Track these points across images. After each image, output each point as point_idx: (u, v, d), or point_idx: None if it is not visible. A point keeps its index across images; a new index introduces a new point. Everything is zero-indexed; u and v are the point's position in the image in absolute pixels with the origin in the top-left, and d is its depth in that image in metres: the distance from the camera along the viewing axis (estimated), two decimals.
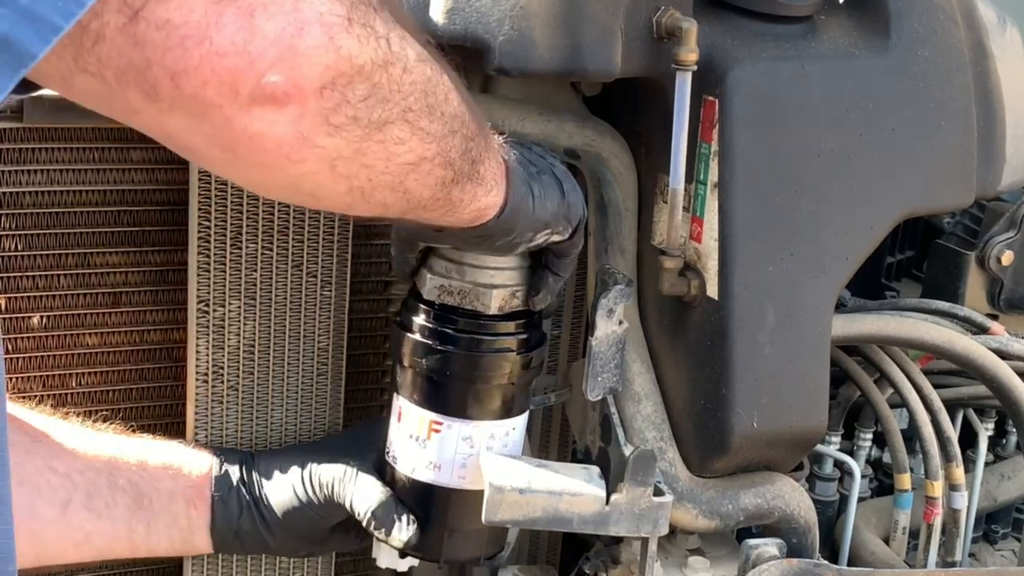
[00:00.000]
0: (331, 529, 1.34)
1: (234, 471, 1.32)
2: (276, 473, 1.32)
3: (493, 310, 1.25)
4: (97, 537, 1.25)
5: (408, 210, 1.03)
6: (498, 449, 1.29)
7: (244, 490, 1.31)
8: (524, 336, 1.28)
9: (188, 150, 0.88)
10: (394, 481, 1.30)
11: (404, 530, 1.28)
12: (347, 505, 1.30)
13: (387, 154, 0.93)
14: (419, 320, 1.27)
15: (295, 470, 1.32)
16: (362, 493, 1.29)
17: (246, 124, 0.82)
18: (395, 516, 1.28)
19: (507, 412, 1.29)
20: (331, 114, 0.85)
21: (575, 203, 1.21)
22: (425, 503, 1.30)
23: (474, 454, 1.28)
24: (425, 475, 1.28)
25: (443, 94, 0.97)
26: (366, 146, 0.90)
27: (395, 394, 1.30)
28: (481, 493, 1.26)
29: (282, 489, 1.31)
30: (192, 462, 1.31)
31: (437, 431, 1.27)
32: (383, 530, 1.28)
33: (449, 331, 1.25)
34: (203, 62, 0.78)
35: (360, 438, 1.36)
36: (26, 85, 0.75)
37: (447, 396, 1.27)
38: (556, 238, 1.22)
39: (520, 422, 1.32)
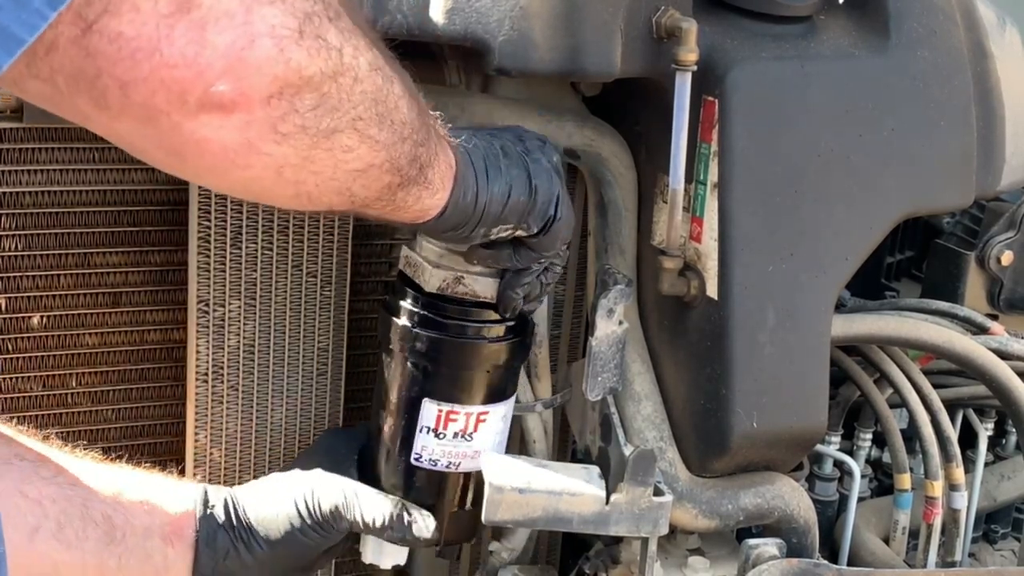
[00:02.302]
0: (318, 555, 1.31)
1: (218, 511, 1.25)
2: (266, 507, 1.27)
3: (431, 288, 1.25)
4: (65, 569, 1.17)
5: (352, 209, 1.05)
6: (500, 432, 1.31)
7: (231, 530, 1.25)
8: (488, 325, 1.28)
9: (138, 152, 0.90)
10: (405, 475, 1.31)
11: (427, 525, 1.28)
12: (358, 522, 1.28)
13: (335, 161, 0.95)
14: (406, 303, 1.28)
15: (287, 501, 1.27)
16: (369, 507, 1.28)
17: (193, 129, 0.84)
18: (409, 518, 1.28)
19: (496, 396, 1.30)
20: (279, 123, 0.87)
21: (544, 200, 1.19)
22: (437, 490, 1.31)
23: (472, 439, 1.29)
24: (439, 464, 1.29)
25: (393, 102, 0.98)
26: (314, 154, 0.92)
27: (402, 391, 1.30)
28: (465, 475, 1.29)
29: (276, 522, 1.26)
30: (170, 498, 1.24)
31: (454, 420, 1.28)
32: (403, 535, 1.28)
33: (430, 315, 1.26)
34: (152, 73, 0.80)
35: (337, 454, 1.34)
36: None
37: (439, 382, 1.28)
38: (521, 233, 1.20)
39: (507, 407, 1.33)
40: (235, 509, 1.26)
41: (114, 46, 0.79)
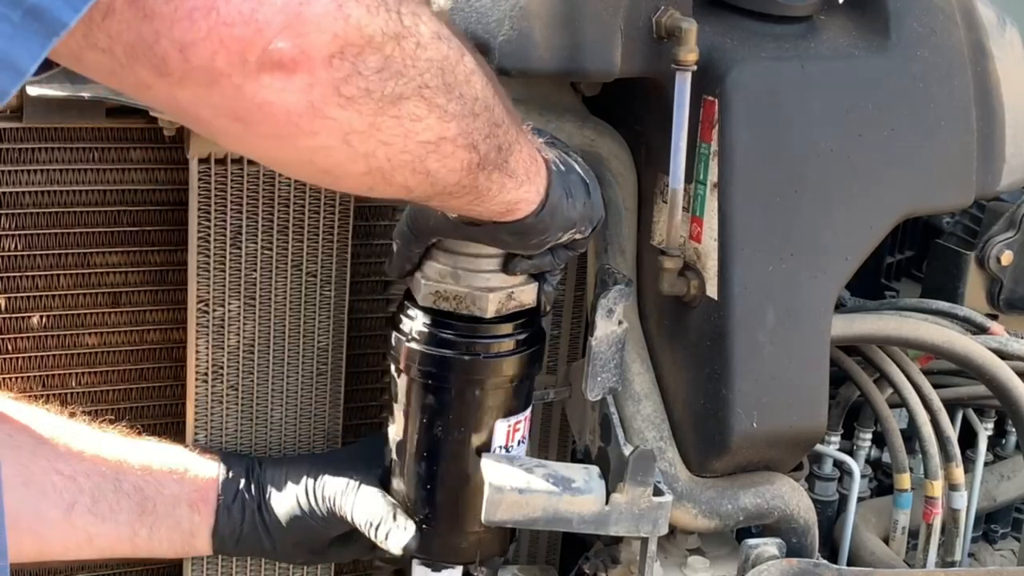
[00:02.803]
0: (330, 541, 1.33)
1: (240, 477, 1.32)
2: (281, 482, 1.32)
3: (490, 314, 1.24)
4: (100, 540, 1.26)
5: (433, 195, 1.01)
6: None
7: (249, 496, 1.31)
8: (525, 335, 1.28)
9: (200, 122, 0.87)
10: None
11: (401, 534, 1.28)
12: (348, 517, 1.30)
13: (404, 131, 0.91)
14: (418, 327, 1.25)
15: (300, 481, 1.32)
16: (363, 504, 1.29)
17: (255, 92, 0.82)
18: (393, 522, 1.28)
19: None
20: (342, 84, 0.84)
21: (598, 203, 1.20)
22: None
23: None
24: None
25: (463, 75, 0.95)
26: (381, 121, 0.89)
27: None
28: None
29: (286, 498, 1.32)
30: (197, 466, 1.31)
31: (518, 430, 1.31)
32: (383, 537, 1.28)
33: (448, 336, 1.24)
34: (211, 32, 0.78)
35: (365, 453, 1.36)
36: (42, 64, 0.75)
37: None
38: (578, 237, 1.20)
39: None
40: (255, 476, 1.32)
41: (170, 6, 0.77)
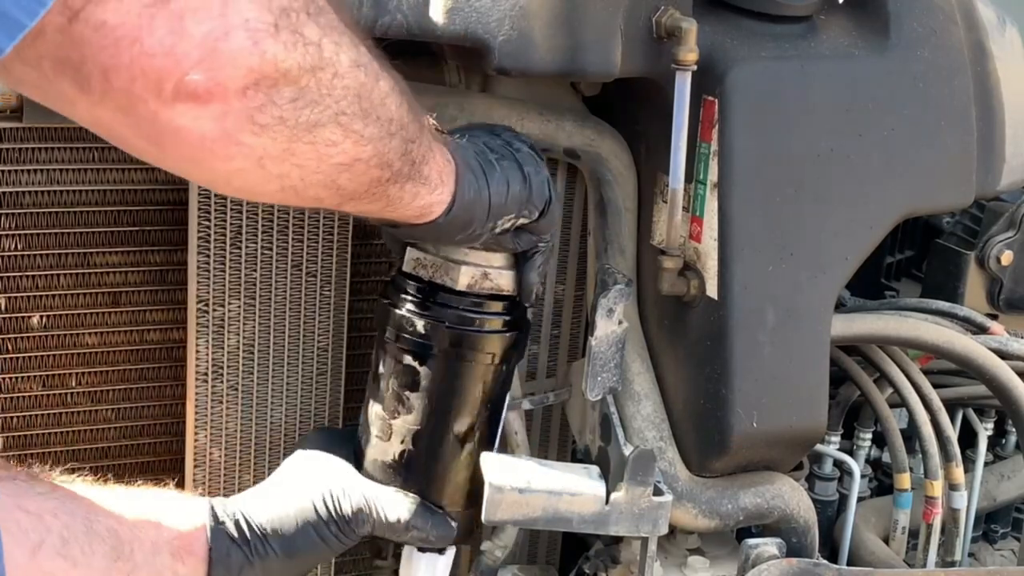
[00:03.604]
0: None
1: (229, 525, 1.21)
2: (281, 512, 1.24)
3: (461, 286, 1.25)
4: None
5: (343, 203, 1.06)
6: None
7: (245, 544, 1.21)
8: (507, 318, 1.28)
9: (119, 140, 0.92)
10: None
11: (450, 523, 1.28)
12: (382, 521, 1.26)
13: (318, 155, 0.96)
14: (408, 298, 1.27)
15: (305, 505, 1.24)
16: (392, 507, 1.26)
17: (170, 118, 0.86)
18: (430, 516, 1.28)
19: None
20: (256, 113, 0.89)
21: (538, 185, 1.21)
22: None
23: None
24: None
25: (379, 98, 1.00)
26: (295, 147, 0.94)
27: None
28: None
29: (294, 527, 1.23)
30: (176, 513, 1.20)
31: None
32: (426, 535, 1.27)
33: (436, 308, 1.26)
34: (133, 61, 0.83)
35: (335, 453, 1.31)
36: None
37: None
38: (523, 221, 1.22)
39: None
40: (247, 521, 1.22)
41: (98, 34, 0.81)
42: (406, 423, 1.27)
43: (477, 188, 1.16)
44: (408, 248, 1.27)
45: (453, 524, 1.29)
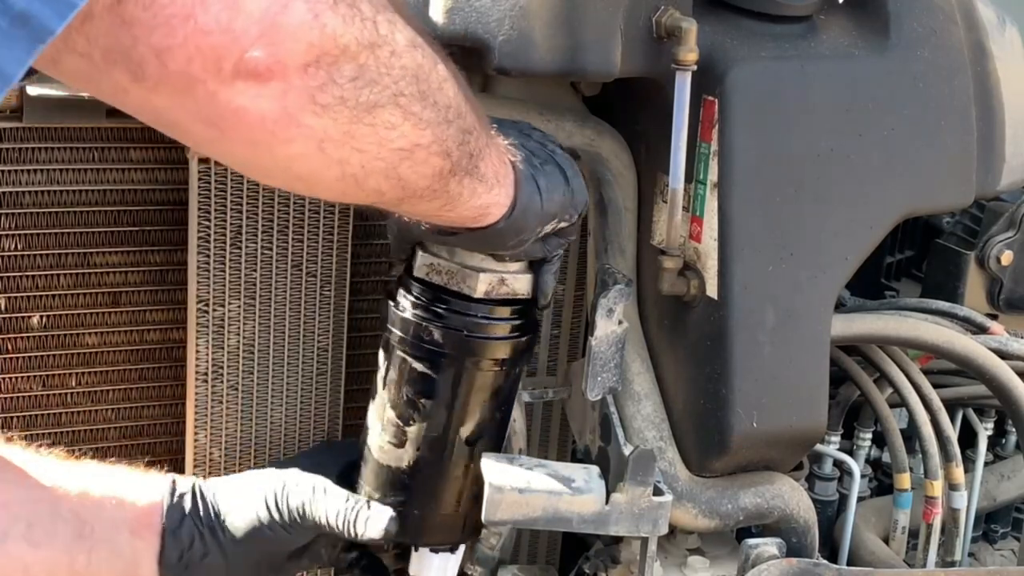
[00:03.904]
0: (288, 556, 1.28)
1: (186, 500, 1.23)
2: (237, 499, 1.25)
3: (479, 294, 1.23)
4: (36, 567, 1.16)
5: (404, 199, 1.02)
6: None
7: (198, 519, 1.23)
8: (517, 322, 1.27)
9: (176, 127, 0.88)
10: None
11: (378, 519, 1.25)
12: (320, 519, 1.25)
13: (378, 138, 0.92)
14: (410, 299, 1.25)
15: (259, 495, 1.26)
16: (333, 503, 1.26)
17: (230, 98, 0.83)
18: (368, 511, 1.25)
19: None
20: (317, 92, 0.86)
21: (579, 189, 1.20)
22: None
23: None
24: None
25: (437, 83, 0.96)
26: (355, 128, 0.90)
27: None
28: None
29: (244, 515, 1.25)
30: (137, 491, 1.22)
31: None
32: (361, 527, 1.25)
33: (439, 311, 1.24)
34: (188, 40, 0.79)
35: (320, 459, 1.32)
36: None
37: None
38: (563, 225, 1.20)
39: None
40: (203, 498, 1.24)
41: (149, 12, 0.78)
42: (420, 430, 1.26)
43: (531, 191, 1.13)
44: (420, 253, 1.24)
45: (382, 525, 1.25)
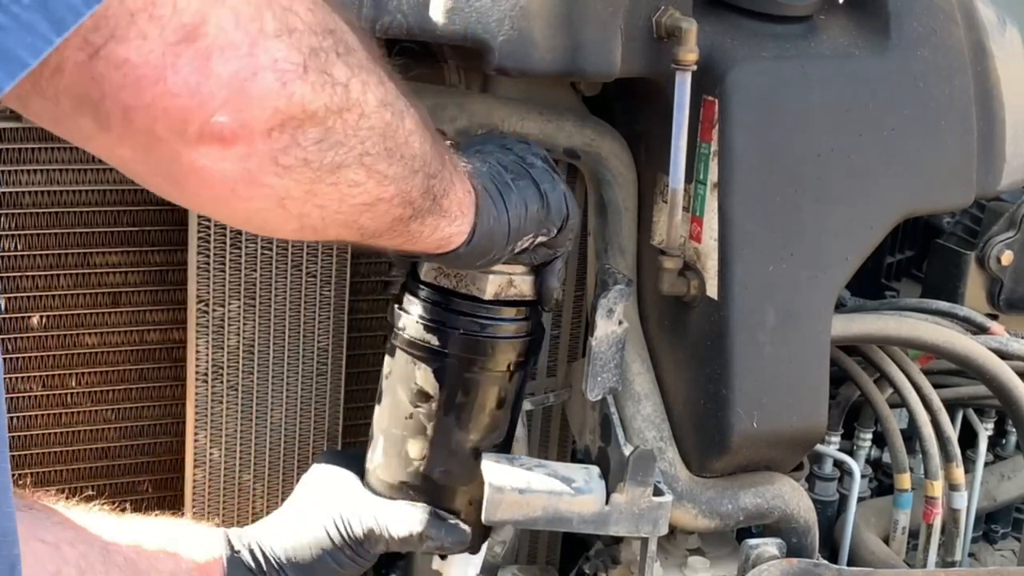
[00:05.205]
0: None
1: (244, 556, 1.22)
2: (296, 540, 1.24)
3: (489, 296, 1.23)
4: None
5: (362, 241, 1.04)
6: None
7: (262, 574, 1.22)
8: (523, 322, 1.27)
9: (136, 177, 0.90)
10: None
11: (464, 527, 1.27)
12: (393, 538, 1.25)
13: (340, 195, 0.94)
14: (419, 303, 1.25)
15: (317, 530, 1.24)
16: (400, 520, 1.25)
17: (193, 159, 0.84)
18: (442, 524, 1.26)
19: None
20: (280, 155, 0.87)
21: (556, 202, 1.20)
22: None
23: None
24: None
25: (403, 137, 0.97)
26: (318, 188, 0.91)
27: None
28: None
29: (309, 553, 1.23)
30: (192, 544, 1.20)
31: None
32: (440, 542, 1.26)
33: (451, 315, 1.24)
34: (155, 101, 0.80)
35: (343, 473, 1.31)
36: None
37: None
38: (541, 239, 1.20)
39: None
40: (262, 551, 1.23)
41: (119, 72, 0.78)
42: (429, 434, 1.25)
43: (496, 215, 1.14)
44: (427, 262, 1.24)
45: (466, 528, 1.27)
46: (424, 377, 1.24)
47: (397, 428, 1.26)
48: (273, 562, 1.22)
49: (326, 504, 1.26)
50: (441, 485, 1.27)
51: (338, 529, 1.24)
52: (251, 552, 1.22)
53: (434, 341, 1.23)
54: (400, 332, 1.25)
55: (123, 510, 1.18)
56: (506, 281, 1.24)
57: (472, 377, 1.24)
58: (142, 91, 0.79)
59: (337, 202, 0.94)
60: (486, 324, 1.24)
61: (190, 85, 0.80)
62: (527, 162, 1.20)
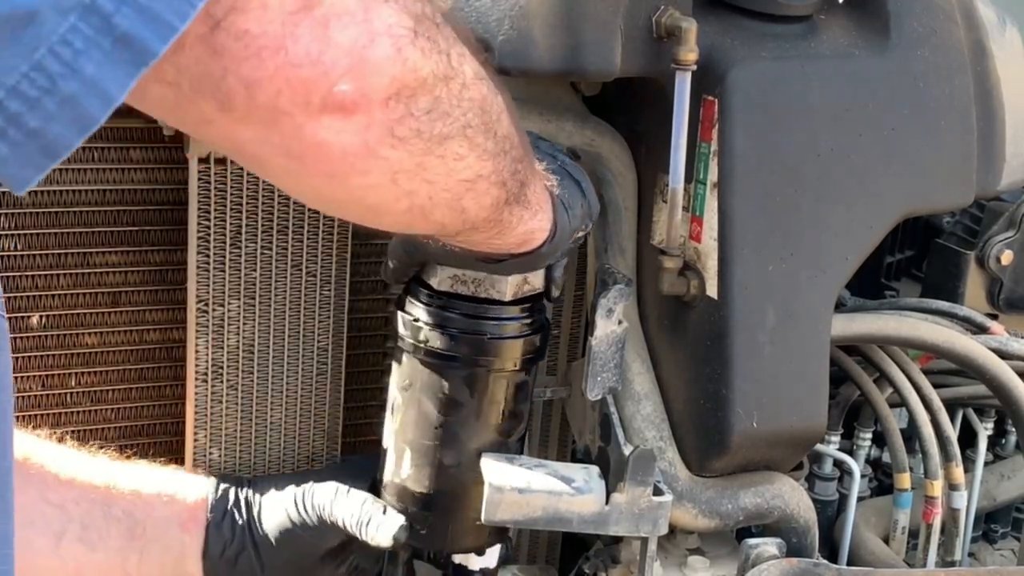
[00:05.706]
0: (322, 558, 1.30)
1: (230, 494, 1.29)
2: (271, 495, 1.29)
3: (509, 296, 1.23)
4: (89, 569, 1.22)
5: (462, 230, 1.04)
6: None
7: (238, 513, 1.28)
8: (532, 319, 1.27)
9: (256, 160, 0.89)
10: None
11: (390, 526, 1.25)
12: (339, 522, 1.27)
13: (447, 169, 0.93)
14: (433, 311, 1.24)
15: (289, 492, 1.29)
16: (351, 505, 1.27)
17: (315, 132, 0.83)
18: (382, 516, 1.26)
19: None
20: (396, 125, 0.86)
21: (594, 199, 1.21)
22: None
23: None
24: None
25: (497, 114, 0.97)
26: (427, 160, 0.91)
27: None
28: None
29: (276, 512, 1.28)
30: (187, 488, 1.28)
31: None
32: (373, 531, 1.26)
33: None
34: (278, 72, 0.78)
35: (352, 469, 1.34)
36: None
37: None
38: (580, 234, 1.21)
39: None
40: (245, 496, 1.28)
41: (240, 43, 0.77)
42: (463, 441, 1.25)
43: (561, 212, 1.14)
44: (439, 267, 1.23)
45: (402, 527, 1.25)
46: (453, 386, 1.24)
47: (428, 439, 1.26)
48: (253, 509, 1.28)
49: (305, 477, 1.31)
50: (454, 489, 1.27)
51: (302, 500, 1.28)
52: (236, 493, 1.29)
53: (462, 350, 1.23)
54: (422, 345, 1.24)
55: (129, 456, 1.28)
56: (521, 279, 1.24)
57: (500, 378, 1.25)
58: (263, 62, 0.78)
59: (444, 176, 0.94)
60: (509, 325, 1.24)
61: (311, 54, 0.79)
62: (559, 159, 1.20)
